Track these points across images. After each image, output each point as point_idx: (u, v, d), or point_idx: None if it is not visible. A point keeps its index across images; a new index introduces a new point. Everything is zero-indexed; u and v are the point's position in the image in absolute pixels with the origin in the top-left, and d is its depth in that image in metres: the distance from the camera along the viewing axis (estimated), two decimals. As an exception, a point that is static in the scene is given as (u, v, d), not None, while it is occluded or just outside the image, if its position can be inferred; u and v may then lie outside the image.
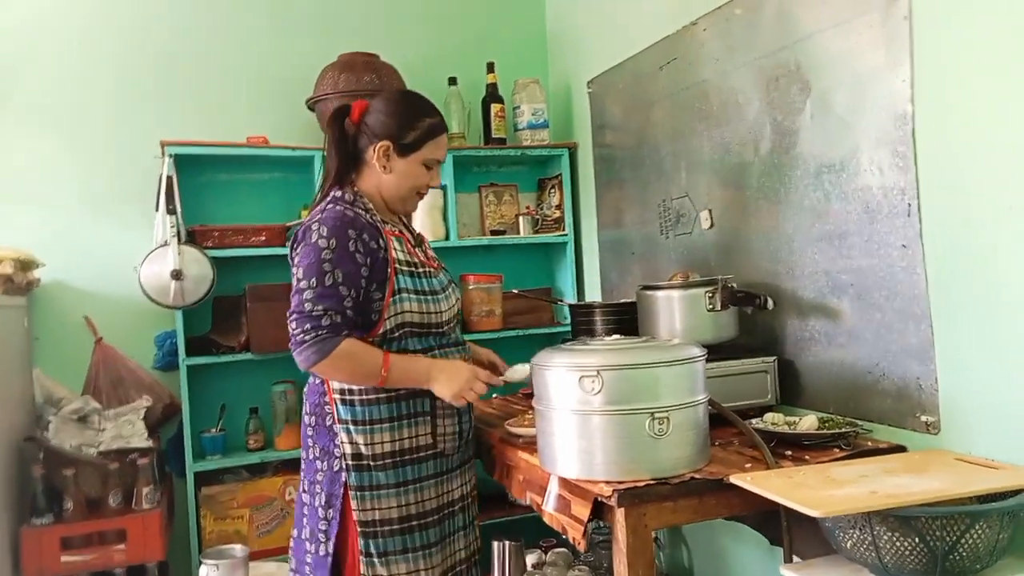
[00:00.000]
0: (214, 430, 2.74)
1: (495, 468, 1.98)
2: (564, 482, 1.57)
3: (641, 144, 2.66)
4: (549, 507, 1.62)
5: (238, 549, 2.39)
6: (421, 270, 1.79)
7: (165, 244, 2.58)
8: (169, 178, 2.60)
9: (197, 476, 2.65)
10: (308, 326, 1.63)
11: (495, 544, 2.71)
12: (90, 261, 2.78)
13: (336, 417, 1.73)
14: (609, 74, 2.84)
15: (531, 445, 1.76)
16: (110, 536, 2.29)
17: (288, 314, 1.67)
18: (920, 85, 1.61)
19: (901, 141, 1.65)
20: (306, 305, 1.64)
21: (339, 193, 1.77)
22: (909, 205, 1.64)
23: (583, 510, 1.51)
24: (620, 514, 1.45)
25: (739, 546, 2.37)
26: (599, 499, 1.48)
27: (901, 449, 1.67)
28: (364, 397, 1.72)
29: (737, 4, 2.14)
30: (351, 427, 1.72)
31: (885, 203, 1.71)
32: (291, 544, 1.84)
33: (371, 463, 1.71)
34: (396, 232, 1.80)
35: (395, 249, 1.75)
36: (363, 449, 1.71)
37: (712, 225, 2.31)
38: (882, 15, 1.68)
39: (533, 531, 2.72)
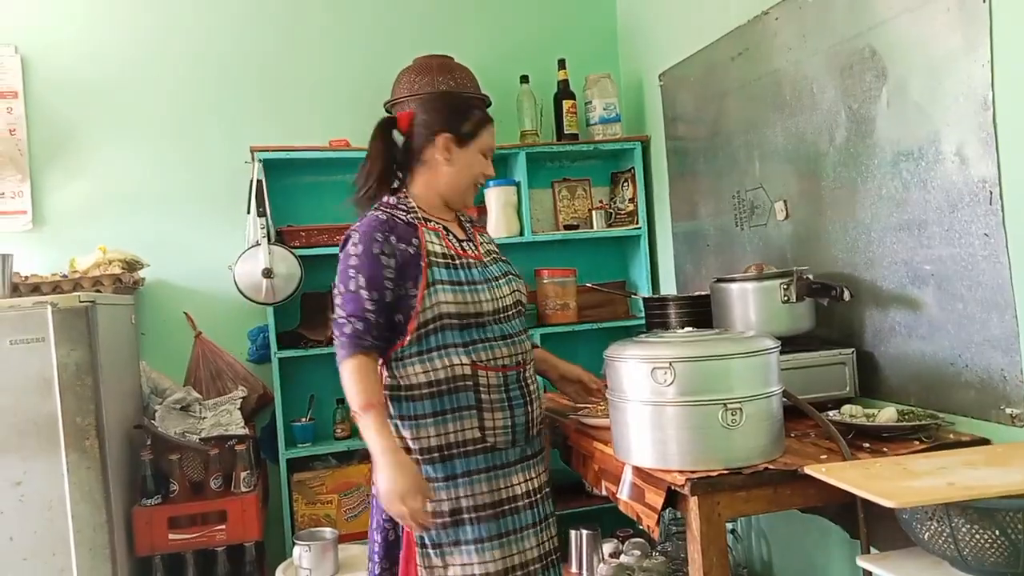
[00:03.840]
0: (304, 419, 2.88)
1: (572, 458, 2.03)
2: (638, 471, 1.61)
3: (714, 136, 2.65)
4: (624, 495, 1.66)
5: (328, 532, 2.52)
6: (458, 261, 1.78)
7: (256, 244, 2.73)
8: (259, 182, 2.75)
9: (289, 463, 2.80)
10: (337, 332, 1.69)
11: (572, 533, 2.77)
12: (189, 261, 2.96)
13: (388, 412, 1.74)
14: (680, 66, 2.84)
15: (605, 434, 1.80)
16: (212, 517, 2.44)
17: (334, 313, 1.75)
18: (1000, 69, 1.57)
19: (981, 127, 1.61)
20: (336, 310, 1.71)
21: (385, 198, 1.83)
22: (991, 193, 1.61)
23: (657, 498, 1.54)
24: (693, 503, 1.48)
25: (817, 538, 2.35)
26: (673, 488, 1.51)
27: (985, 442, 1.63)
28: (409, 393, 1.73)
29: (810, -8, 2.11)
30: (399, 422, 1.74)
31: (966, 191, 1.67)
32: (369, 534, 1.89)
33: (419, 457, 1.72)
34: (437, 228, 1.81)
35: (429, 243, 1.76)
36: (411, 444, 1.73)
37: (787, 216, 2.29)
38: (960, -1, 1.64)
39: (610, 521, 2.76)
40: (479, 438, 1.74)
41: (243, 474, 2.49)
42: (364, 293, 1.68)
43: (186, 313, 2.95)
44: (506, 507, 1.76)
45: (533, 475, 1.82)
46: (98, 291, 2.52)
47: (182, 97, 3.00)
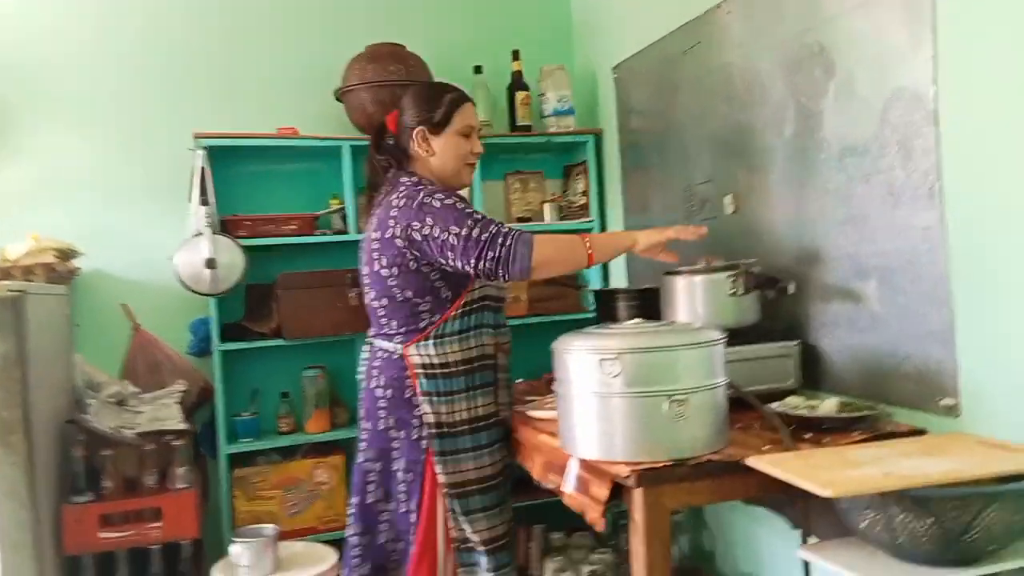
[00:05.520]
0: (246, 414, 2.80)
1: (518, 451, 2.01)
2: (584, 463, 1.60)
3: (666, 129, 2.66)
4: (569, 488, 1.64)
5: (269, 528, 2.45)
6: None
7: (199, 234, 2.64)
8: (202, 169, 2.66)
9: (230, 458, 2.72)
10: (499, 241, 1.76)
11: (518, 528, 2.74)
12: (127, 250, 2.86)
13: (419, 390, 1.87)
14: (634, 59, 2.84)
15: (552, 426, 1.79)
16: (147, 514, 2.35)
17: (465, 261, 1.77)
18: (943, 65, 1.59)
19: (924, 122, 1.63)
20: (483, 235, 1.76)
21: (413, 179, 1.91)
22: (931, 188, 1.63)
23: (602, 491, 1.53)
24: (638, 494, 1.47)
25: (760, 529, 2.37)
26: (618, 480, 1.50)
27: (921, 432, 1.66)
28: (445, 370, 1.87)
29: (760, -14, 2.12)
30: (434, 398, 1.86)
31: (908, 185, 1.69)
32: (353, 511, 1.97)
33: (450, 430, 1.87)
34: None
35: None
36: (444, 418, 1.86)
37: (736, 210, 2.30)
38: (905, -6, 1.66)
39: (557, 515, 2.74)
40: (494, 412, 1.94)
41: (180, 470, 2.41)
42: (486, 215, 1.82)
43: (123, 304, 2.85)
44: (503, 476, 1.96)
45: (510, 451, 2.01)
46: (29, 281, 2.42)
47: (124, 81, 2.89)
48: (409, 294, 1.86)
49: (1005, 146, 1.48)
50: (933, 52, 1.60)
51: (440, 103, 1.95)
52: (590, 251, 1.81)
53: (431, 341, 1.87)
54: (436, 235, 1.79)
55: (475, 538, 1.88)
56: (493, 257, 1.75)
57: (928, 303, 1.66)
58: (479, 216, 1.81)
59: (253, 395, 2.88)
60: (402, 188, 1.88)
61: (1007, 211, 1.49)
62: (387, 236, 1.85)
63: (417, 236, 1.81)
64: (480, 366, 1.91)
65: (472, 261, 1.77)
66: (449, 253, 1.78)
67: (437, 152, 1.95)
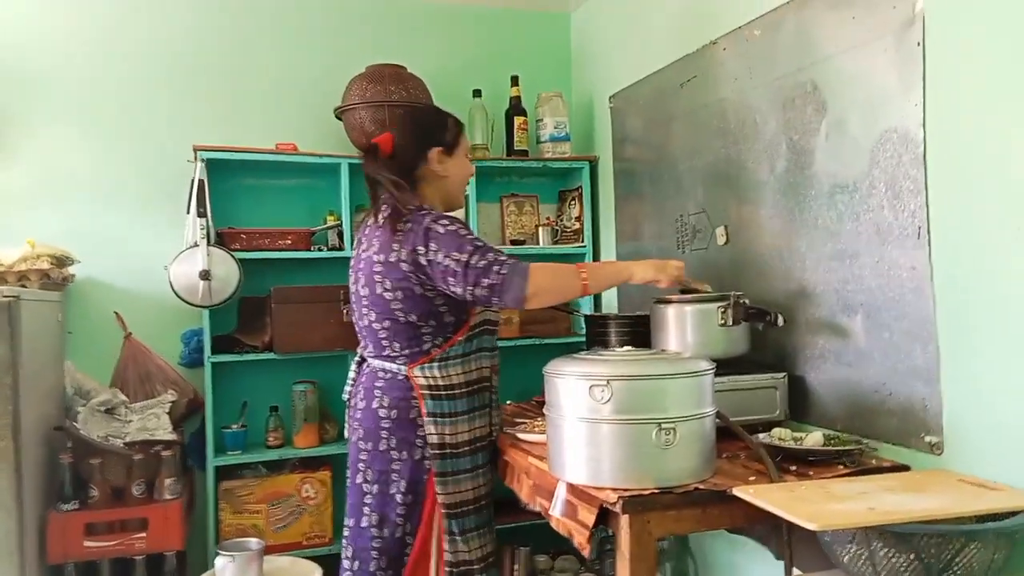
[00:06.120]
0: (235, 426, 2.81)
1: (506, 473, 2.02)
2: (572, 488, 1.61)
3: (660, 159, 2.70)
4: (556, 512, 1.66)
5: (254, 542, 2.44)
6: None
7: (195, 245, 2.65)
8: (201, 181, 2.68)
9: (217, 470, 2.72)
10: (495, 269, 1.78)
11: (504, 549, 2.75)
12: (122, 259, 2.87)
13: (424, 411, 1.89)
14: (631, 90, 2.89)
15: (541, 450, 1.81)
16: (132, 524, 2.35)
17: (463, 288, 1.80)
18: (932, 109, 1.63)
19: (912, 164, 1.68)
20: (480, 262, 1.78)
21: (415, 203, 1.91)
22: (919, 228, 1.67)
23: (589, 516, 1.54)
24: (624, 521, 1.49)
25: (743, 559, 2.39)
26: (605, 505, 1.51)
27: (905, 468, 1.68)
28: (449, 392, 1.90)
29: (756, 25, 2.18)
30: (438, 419, 1.89)
31: (896, 225, 1.73)
32: (346, 534, 1.97)
33: (452, 451, 1.89)
34: None
35: None
36: (447, 439, 1.89)
37: (727, 241, 2.34)
38: (896, 40, 1.71)
39: (542, 537, 2.75)
40: (488, 434, 1.98)
41: (168, 481, 2.41)
42: (491, 246, 1.84)
43: (116, 313, 2.85)
44: (491, 497, 1.99)
45: (495, 470, 2.04)
46: (23, 286, 2.42)
47: (125, 90, 2.91)
48: (413, 318, 1.88)
49: (990, 190, 1.52)
50: (922, 97, 1.65)
51: (447, 125, 2.02)
52: (585, 281, 1.85)
53: (436, 363, 1.90)
54: (440, 260, 1.81)
55: (470, 557, 1.90)
56: (488, 285, 1.78)
57: (913, 340, 1.70)
58: (480, 243, 1.83)
59: (243, 408, 2.88)
60: (405, 213, 1.89)
61: (992, 254, 1.53)
62: (391, 259, 1.86)
63: (423, 260, 1.83)
64: (479, 388, 1.96)
65: (470, 288, 1.79)
66: (451, 279, 1.81)
67: (451, 173, 2.00)
